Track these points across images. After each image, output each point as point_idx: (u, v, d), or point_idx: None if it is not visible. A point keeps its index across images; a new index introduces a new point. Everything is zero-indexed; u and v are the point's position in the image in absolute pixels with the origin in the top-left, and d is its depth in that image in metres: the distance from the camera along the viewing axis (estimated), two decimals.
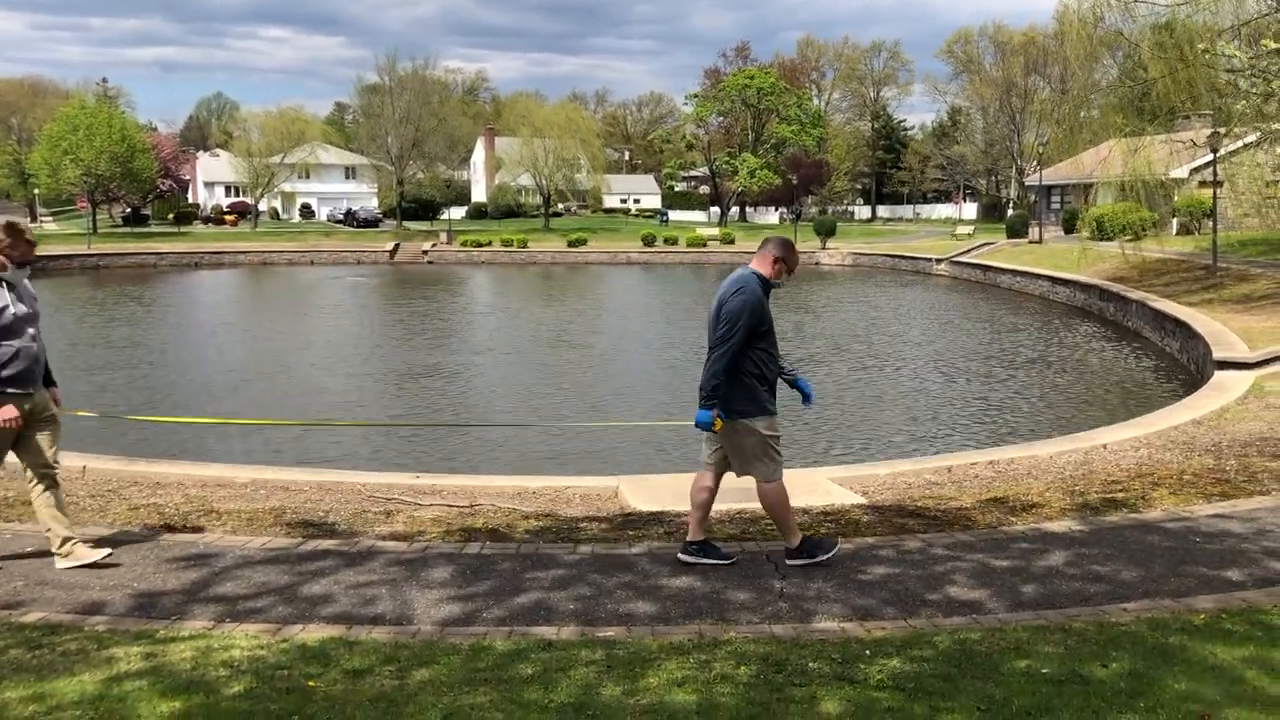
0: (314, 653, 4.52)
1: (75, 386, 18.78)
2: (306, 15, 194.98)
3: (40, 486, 5.86)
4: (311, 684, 4.14)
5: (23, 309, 5.75)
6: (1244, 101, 19.64)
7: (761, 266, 5.95)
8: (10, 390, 5.66)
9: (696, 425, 5.81)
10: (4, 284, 5.71)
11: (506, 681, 4.17)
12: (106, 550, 5.85)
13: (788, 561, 5.90)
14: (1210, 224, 32.59)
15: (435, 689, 4.10)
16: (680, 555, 5.96)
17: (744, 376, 5.75)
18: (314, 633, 4.82)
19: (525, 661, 4.40)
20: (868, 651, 4.50)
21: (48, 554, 5.98)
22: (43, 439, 5.88)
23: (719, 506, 7.60)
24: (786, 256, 5.98)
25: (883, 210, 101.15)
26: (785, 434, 6.41)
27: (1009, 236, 53.75)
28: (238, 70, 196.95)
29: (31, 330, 5.78)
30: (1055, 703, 3.94)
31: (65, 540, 5.78)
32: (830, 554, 5.91)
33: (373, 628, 4.91)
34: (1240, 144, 29.17)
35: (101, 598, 5.32)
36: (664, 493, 8.16)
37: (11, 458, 5.88)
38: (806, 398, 6.16)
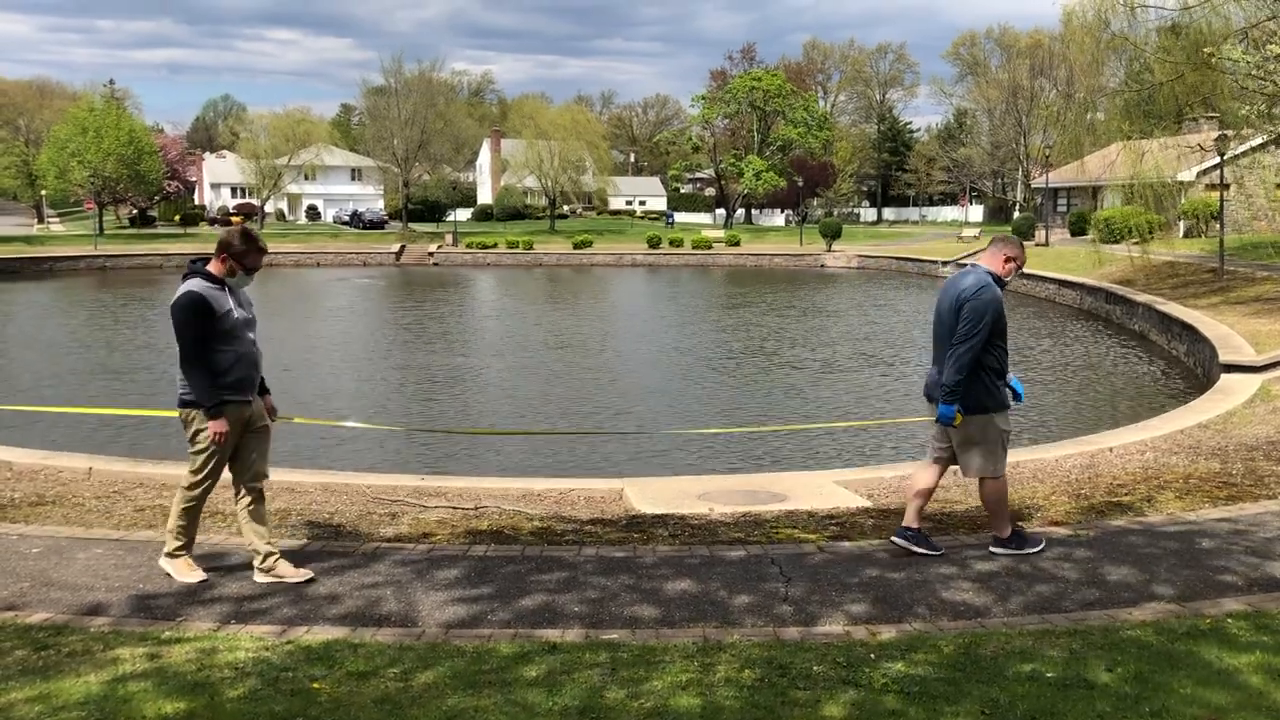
0: (318, 654, 4.52)
1: (86, 389, 18.82)
2: (315, 17, 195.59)
3: (247, 499, 5.72)
4: (316, 686, 4.15)
5: (243, 314, 5.64)
6: (1250, 106, 19.59)
7: (993, 264, 6.10)
8: (230, 398, 5.51)
9: (938, 420, 6.02)
10: (226, 288, 5.61)
11: (511, 684, 4.17)
12: (308, 573, 5.62)
13: (992, 549, 6.13)
14: (1217, 227, 32.53)
15: (440, 691, 4.10)
16: (894, 539, 6.17)
17: (984, 373, 5.94)
18: (318, 634, 4.83)
19: (530, 664, 4.40)
20: (872, 655, 4.49)
21: (51, 555, 5.99)
22: (255, 450, 5.74)
23: (723, 509, 7.61)
24: (1017, 255, 6.13)
25: (888, 213, 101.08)
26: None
27: None
28: (245, 72, 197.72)
29: (251, 335, 5.66)
30: (1060, 707, 3.93)
31: (268, 556, 5.63)
32: (1038, 548, 6.11)
33: (377, 630, 4.91)
34: (1247, 146, 29.13)
35: (106, 599, 5.33)
36: (669, 495, 8.16)
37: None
38: (1017, 396, 6.30)
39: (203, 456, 5.55)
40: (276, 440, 6.18)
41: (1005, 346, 6.04)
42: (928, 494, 6.29)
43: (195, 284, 5.52)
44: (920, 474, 6.36)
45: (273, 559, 5.64)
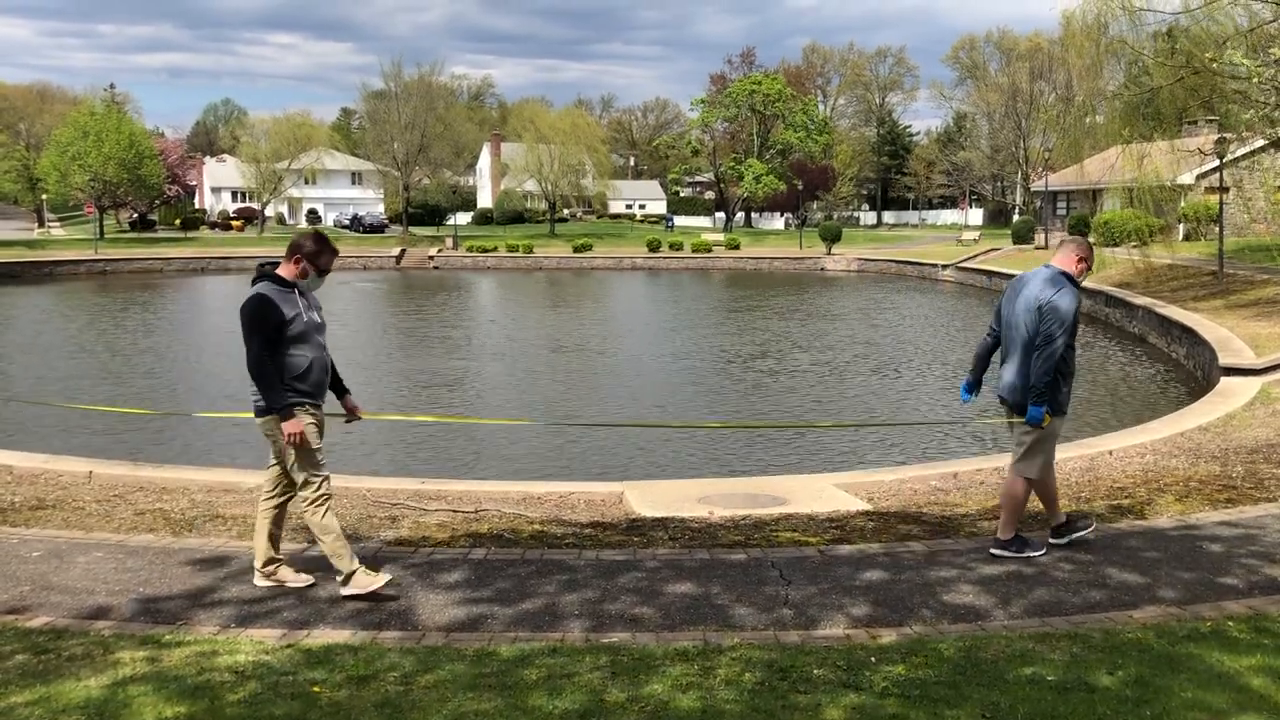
0: (319, 658, 4.52)
1: (90, 393, 18.82)
2: (315, 22, 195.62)
3: (274, 502, 5.68)
4: (316, 689, 4.15)
5: (314, 318, 5.59)
6: (1252, 112, 19.58)
7: (1066, 265, 6.16)
8: (304, 401, 5.45)
9: (1026, 421, 6.09)
10: (297, 292, 5.56)
11: (512, 687, 4.17)
12: (310, 578, 5.62)
13: (993, 551, 6.18)
14: (1217, 230, 32.52)
15: (440, 694, 4.10)
16: (993, 551, 6.22)
17: (1055, 375, 6.03)
18: (319, 638, 4.83)
19: (530, 667, 4.40)
20: (872, 658, 4.49)
21: (52, 559, 6.00)
22: None
23: (724, 512, 7.61)
24: (1087, 256, 6.21)
25: (888, 216, 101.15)
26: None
27: (1015, 242, 53.71)
28: (245, 76, 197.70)
29: (320, 339, 5.60)
30: (1061, 710, 3.93)
31: (271, 561, 5.60)
32: (1040, 552, 6.17)
33: (377, 633, 4.92)
34: (1247, 149, 29.12)
35: (107, 602, 5.33)
36: (669, 498, 8.16)
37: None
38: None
39: (302, 459, 5.45)
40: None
41: (1075, 347, 6.13)
42: (1044, 493, 6.40)
43: (264, 287, 5.45)
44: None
45: (275, 565, 5.62)
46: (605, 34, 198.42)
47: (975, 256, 50.07)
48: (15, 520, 7.01)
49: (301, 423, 5.39)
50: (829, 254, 61.95)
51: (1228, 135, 24.70)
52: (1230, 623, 4.94)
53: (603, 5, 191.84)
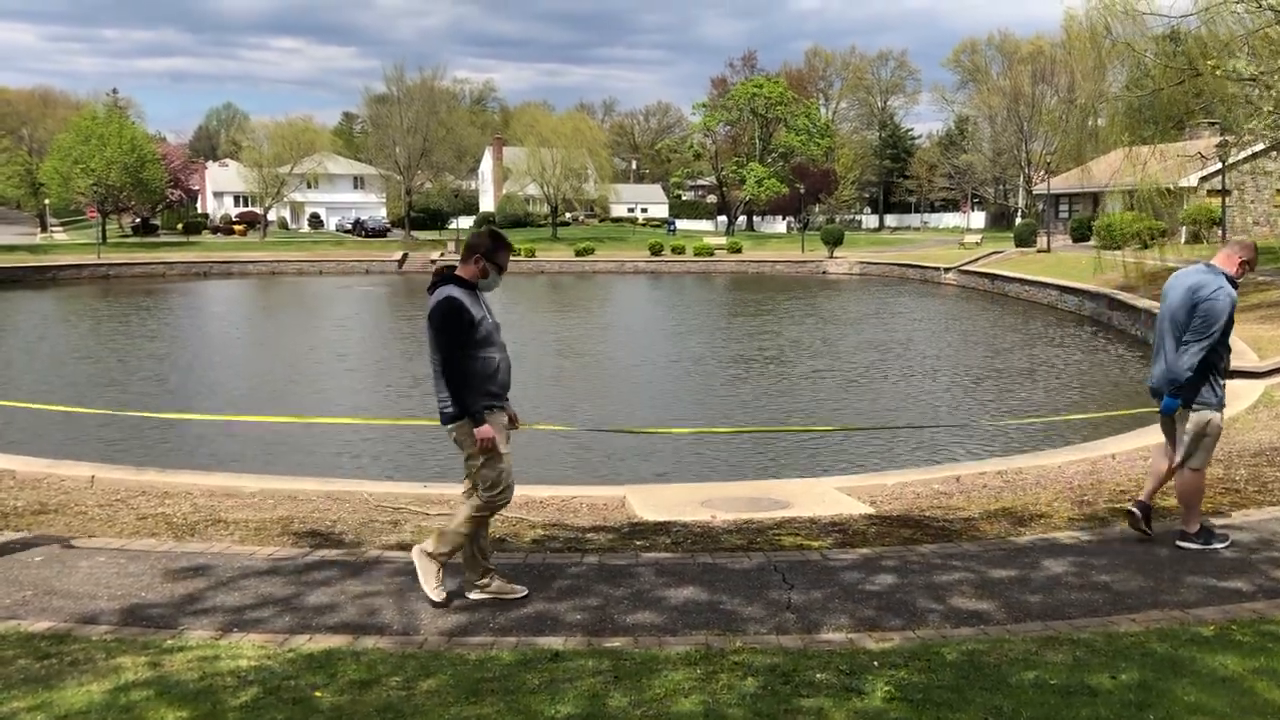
0: (320, 663, 4.52)
1: (95, 398, 18.83)
2: (318, 26, 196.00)
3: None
4: (317, 694, 4.14)
5: (493, 319, 5.50)
6: (1256, 120, 19.56)
7: (1228, 265, 6.32)
8: (493, 405, 5.38)
9: (1161, 412, 6.37)
10: (476, 293, 5.46)
11: (513, 692, 4.16)
12: (524, 589, 5.54)
13: (1179, 543, 6.33)
14: (1219, 232, 32.54)
15: (441, 699, 4.09)
16: (1179, 543, 6.37)
17: (1209, 371, 6.18)
18: (320, 643, 4.82)
19: (532, 672, 4.39)
20: (875, 663, 4.48)
21: (54, 563, 5.99)
22: None
23: (726, 516, 7.60)
24: (1250, 258, 6.40)
25: (890, 219, 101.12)
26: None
27: (1017, 245, 53.69)
28: (248, 81, 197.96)
29: (501, 339, 5.50)
30: (1063, 714, 3.92)
31: (484, 573, 5.53)
32: (1225, 544, 6.30)
33: (379, 637, 4.91)
34: (1249, 153, 29.13)
35: (109, 607, 5.33)
36: (671, 502, 8.16)
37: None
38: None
39: (489, 465, 5.38)
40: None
41: (1229, 345, 6.32)
42: (1165, 476, 6.58)
43: (451, 290, 5.34)
44: (1159, 458, 6.70)
45: (489, 576, 5.52)
46: (608, 38, 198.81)
47: (977, 260, 50.03)
48: (18, 525, 7.01)
49: (495, 428, 5.32)
50: (831, 257, 61.96)
51: (1229, 138, 24.70)
52: (1234, 626, 4.93)
53: (605, 9, 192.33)
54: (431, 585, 5.37)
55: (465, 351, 5.27)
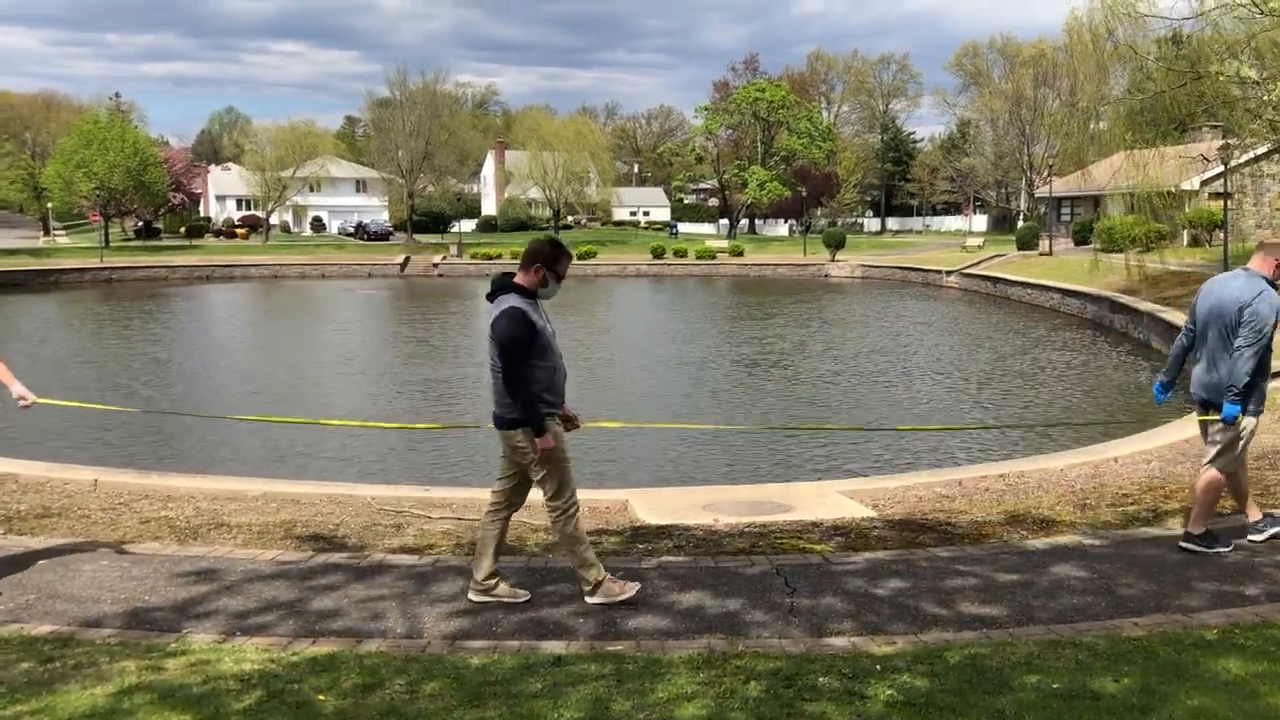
0: (323, 666, 4.52)
1: (113, 399, 18.86)
2: (321, 30, 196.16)
3: (504, 515, 5.60)
4: (321, 698, 4.15)
5: (551, 327, 5.50)
6: (1257, 122, 19.57)
7: (1265, 268, 6.37)
8: (552, 412, 5.39)
9: (1223, 419, 6.30)
10: (536, 301, 5.44)
11: (516, 696, 4.16)
12: (526, 594, 5.54)
13: (1181, 544, 6.37)
14: (1221, 236, 32.52)
15: (445, 703, 4.10)
16: (1182, 544, 6.40)
17: (1257, 376, 6.25)
18: (323, 646, 4.83)
19: (534, 676, 4.40)
20: (878, 667, 4.48)
21: (57, 567, 6.00)
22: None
23: (728, 519, 7.60)
24: None
25: (892, 222, 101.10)
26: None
27: (1019, 248, 53.66)
28: (250, 85, 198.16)
29: (558, 347, 5.51)
30: (1066, 718, 3.92)
31: (491, 575, 5.53)
32: (1228, 549, 6.29)
33: (382, 641, 4.91)
34: (1250, 155, 29.10)
35: (112, 610, 5.33)
36: (674, 506, 8.16)
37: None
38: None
39: (554, 471, 5.39)
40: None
41: (1272, 349, 6.30)
42: (1236, 490, 6.59)
43: (514, 300, 5.34)
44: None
45: (495, 579, 5.53)
46: (610, 42, 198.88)
47: (979, 263, 50.01)
48: (21, 528, 7.02)
49: (553, 440, 5.34)
50: (833, 260, 61.96)
51: (1231, 141, 24.69)
52: (1237, 630, 4.92)
53: (608, 13, 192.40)
54: (614, 592, 5.41)
55: (528, 360, 5.29)
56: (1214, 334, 6.31)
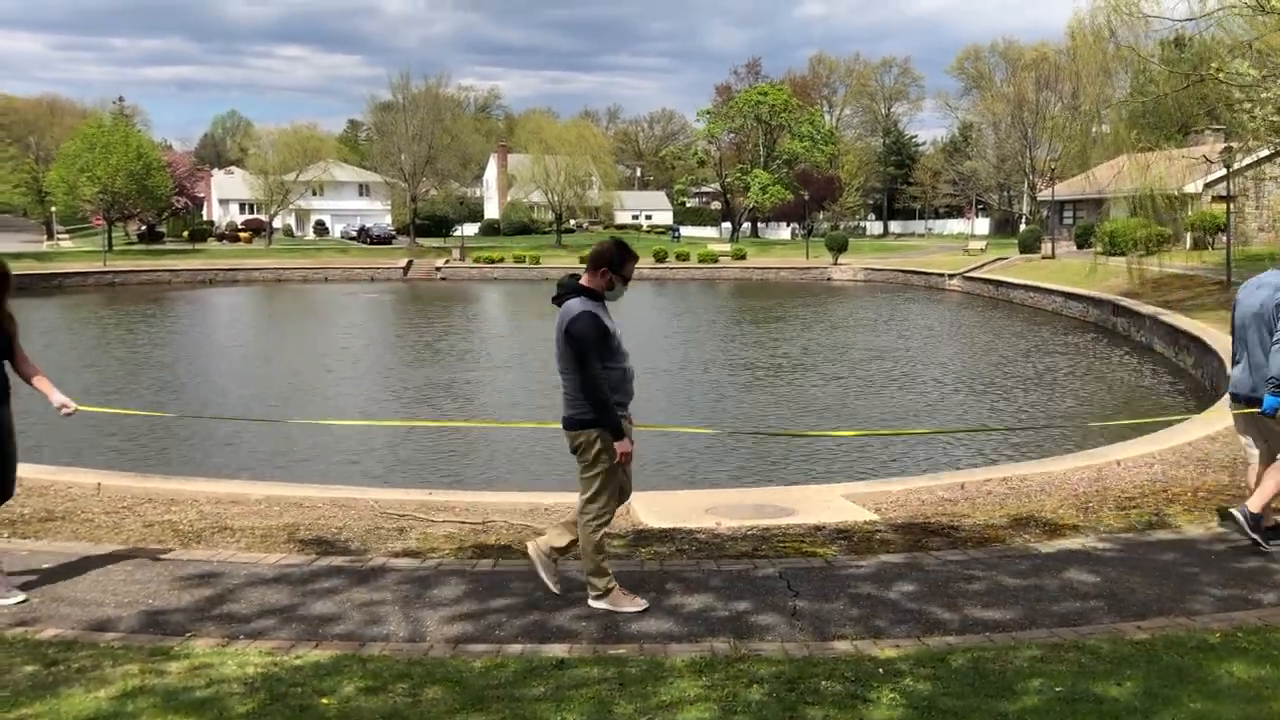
0: (326, 670, 4.53)
1: (116, 402, 18.86)
2: (324, 34, 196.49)
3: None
4: (324, 701, 4.15)
5: (618, 329, 5.50)
6: (1258, 123, 19.57)
7: None
8: (626, 414, 5.42)
9: (1263, 412, 6.44)
10: (603, 304, 5.46)
11: (519, 699, 4.17)
12: (644, 603, 5.46)
13: (1234, 509, 6.55)
14: (1224, 239, 32.49)
15: (447, 706, 4.10)
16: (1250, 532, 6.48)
17: None
18: (326, 650, 4.83)
19: (537, 679, 4.40)
20: (881, 670, 4.48)
21: (61, 570, 6.01)
22: (627, 469, 5.53)
23: (731, 523, 7.60)
24: None
25: (894, 226, 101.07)
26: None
27: (1021, 252, 53.63)
28: (254, 88, 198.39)
29: (625, 349, 5.51)
30: None
31: (608, 580, 5.50)
32: (1277, 548, 6.36)
33: (385, 645, 4.92)
34: (1254, 158, 29.10)
35: (116, 614, 5.34)
36: (676, 509, 8.16)
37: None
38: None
39: (601, 479, 5.40)
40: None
41: None
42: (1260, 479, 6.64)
43: (584, 303, 5.35)
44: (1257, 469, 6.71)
45: (609, 581, 5.51)
46: (613, 45, 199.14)
47: (982, 266, 49.99)
48: (25, 532, 7.03)
49: (628, 446, 5.36)
50: (835, 264, 61.94)
51: (1234, 144, 24.68)
52: (1240, 633, 4.92)
53: (611, 17, 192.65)
54: (618, 602, 5.40)
55: (602, 362, 5.31)
56: (1253, 335, 6.51)
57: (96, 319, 37.88)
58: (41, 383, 5.94)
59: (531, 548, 5.69)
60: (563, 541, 5.63)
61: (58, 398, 5.92)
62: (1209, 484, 8.58)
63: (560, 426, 5.54)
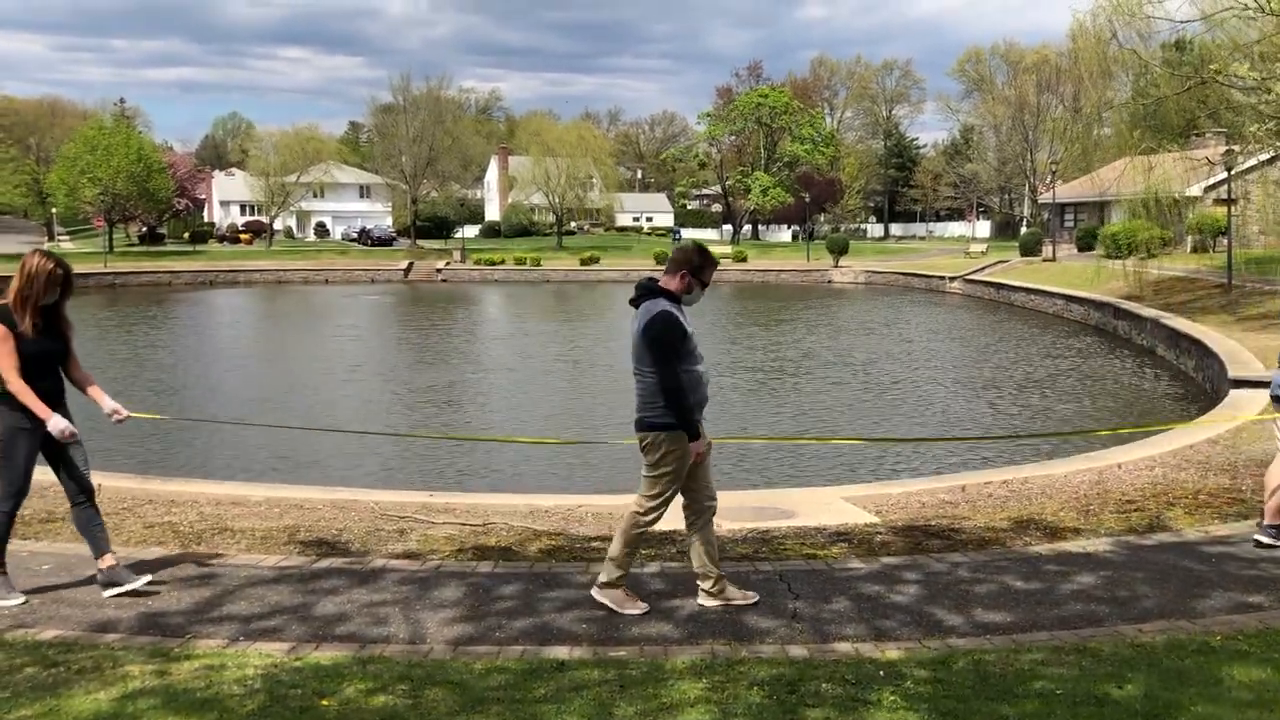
0: (327, 671, 4.53)
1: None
2: (325, 36, 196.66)
3: (702, 520, 5.52)
4: (325, 702, 4.15)
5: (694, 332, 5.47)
6: (1258, 125, 19.56)
7: None
8: (700, 419, 5.41)
9: None
10: (680, 306, 5.43)
11: (519, 701, 4.17)
12: (754, 596, 5.53)
13: (1257, 539, 6.55)
14: (1225, 242, 32.47)
15: (448, 708, 4.10)
16: (1258, 537, 6.56)
17: None
18: (327, 651, 4.83)
19: (538, 681, 4.40)
20: (881, 673, 4.48)
21: (62, 571, 6.01)
22: (706, 468, 5.53)
23: (731, 525, 7.59)
24: None
25: (895, 228, 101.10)
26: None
27: (1022, 254, 53.63)
28: (255, 90, 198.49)
29: (701, 353, 5.48)
30: None
31: (718, 580, 5.49)
32: None
33: (385, 646, 4.92)
34: (1255, 161, 29.08)
35: (116, 615, 5.34)
36: (677, 511, 8.14)
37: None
38: None
39: (665, 480, 5.38)
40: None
41: None
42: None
43: (664, 304, 5.34)
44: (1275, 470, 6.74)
45: (722, 582, 5.51)
46: (614, 47, 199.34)
47: (983, 269, 50.00)
48: (25, 533, 7.03)
49: (704, 445, 5.38)
50: (836, 266, 61.93)
51: (1235, 147, 24.67)
52: (1241, 636, 4.92)
53: (613, 19, 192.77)
54: (620, 601, 5.40)
55: (681, 364, 5.31)
56: None
57: (97, 320, 37.87)
58: (94, 391, 6.01)
59: (708, 600, 5.49)
60: (713, 569, 5.51)
61: (108, 404, 6.00)
62: (1210, 487, 8.58)
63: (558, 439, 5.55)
